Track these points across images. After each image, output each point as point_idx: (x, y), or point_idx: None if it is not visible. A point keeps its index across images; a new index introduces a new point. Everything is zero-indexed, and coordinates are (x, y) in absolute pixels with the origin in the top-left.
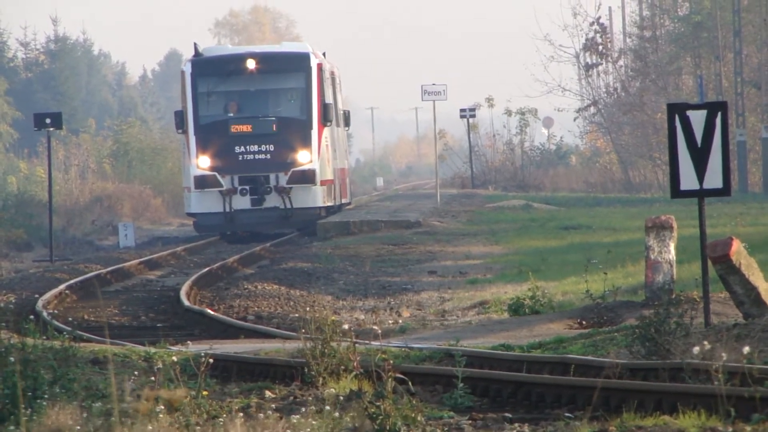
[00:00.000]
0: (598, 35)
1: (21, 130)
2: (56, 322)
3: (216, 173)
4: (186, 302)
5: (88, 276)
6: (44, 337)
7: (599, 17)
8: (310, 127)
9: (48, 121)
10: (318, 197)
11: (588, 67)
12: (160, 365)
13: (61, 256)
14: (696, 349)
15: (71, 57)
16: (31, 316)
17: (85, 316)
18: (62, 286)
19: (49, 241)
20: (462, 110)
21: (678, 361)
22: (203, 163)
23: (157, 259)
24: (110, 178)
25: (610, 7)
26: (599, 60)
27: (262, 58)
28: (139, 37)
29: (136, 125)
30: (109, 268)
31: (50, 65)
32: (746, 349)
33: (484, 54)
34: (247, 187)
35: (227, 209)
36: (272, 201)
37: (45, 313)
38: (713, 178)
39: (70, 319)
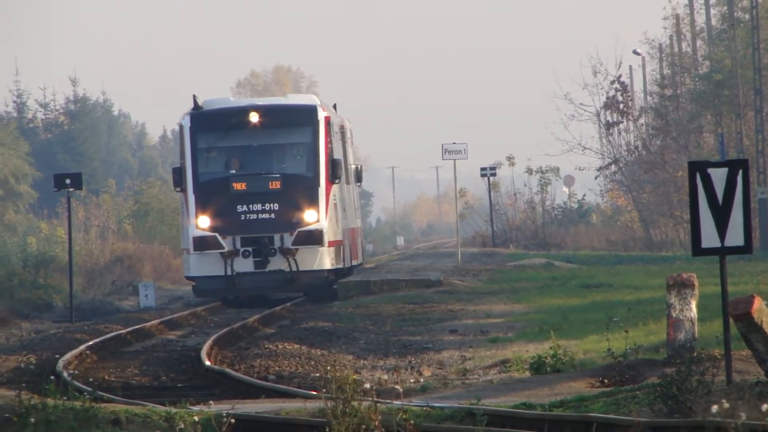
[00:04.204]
0: (618, 93)
1: (41, 190)
2: (77, 383)
3: (216, 234)
4: (207, 362)
5: (109, 336)
6: (65, 398)
7: (620, 75)
8: (318, 185)
9: (68, 181)
10: (325, 259)
11: (609, 126)
12: (182, 425)
13: (81, 317)
14: (714, 408)
15: (91, 117)
16: (52, 377)
17: (106, 377)
18: (83, 347)
19: (69, 301)
20: (483, 169)
21: (699, 419)
22: (203, 223)
23: (178, 319)
24: (131, 239)
25: (630, 66)
26: (620, 118)
27: (266, 111)
28: (159, 97)
29: (157, 185)
30: (130, 329)
31: (70, 126)
32: (765, 407)
33: (505, 113)
34: (250, 249)
35: (229, 272)
36: (277, 263)
37: (65, 374)
38: (734, 236)
39: (91, 379)
